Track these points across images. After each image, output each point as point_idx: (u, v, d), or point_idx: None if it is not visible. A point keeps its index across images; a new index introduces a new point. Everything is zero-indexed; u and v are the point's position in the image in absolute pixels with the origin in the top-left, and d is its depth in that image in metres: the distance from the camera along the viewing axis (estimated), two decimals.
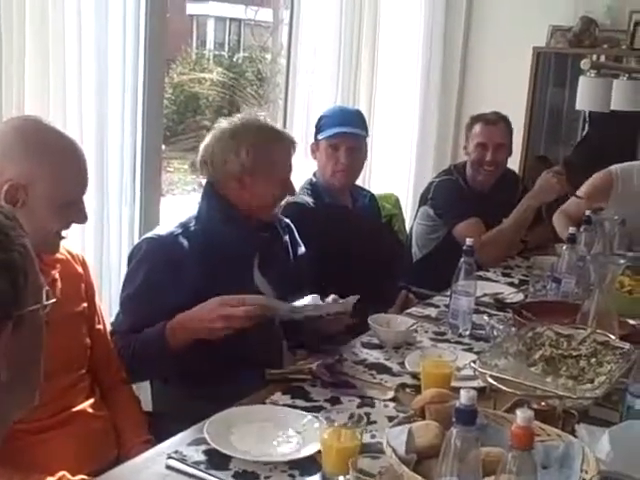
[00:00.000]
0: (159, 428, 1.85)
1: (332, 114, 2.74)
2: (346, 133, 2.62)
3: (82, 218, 1.68)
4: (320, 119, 2.72)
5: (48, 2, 2.28)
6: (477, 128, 3.15)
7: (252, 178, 2.05)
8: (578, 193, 3.22)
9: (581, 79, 3.57)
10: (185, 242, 1.97)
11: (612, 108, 3.56)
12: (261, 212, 2.09)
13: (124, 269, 2.63)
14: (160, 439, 1.74)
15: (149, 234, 2.04)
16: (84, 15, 2.41)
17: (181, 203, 6.47)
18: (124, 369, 1.90)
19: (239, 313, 1.80)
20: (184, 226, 2.02)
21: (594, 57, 4.41)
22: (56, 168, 1.57)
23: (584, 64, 3.54)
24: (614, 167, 3.37)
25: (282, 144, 2.08)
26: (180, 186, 8.11)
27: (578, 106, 3.72)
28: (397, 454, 1.35)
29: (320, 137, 2.66)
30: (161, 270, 1.93)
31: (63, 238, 1.67)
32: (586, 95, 3.55)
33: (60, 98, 2.37)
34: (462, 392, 1.16)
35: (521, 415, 1.10)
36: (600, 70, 3.56)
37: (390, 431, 1.43)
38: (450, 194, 3.14)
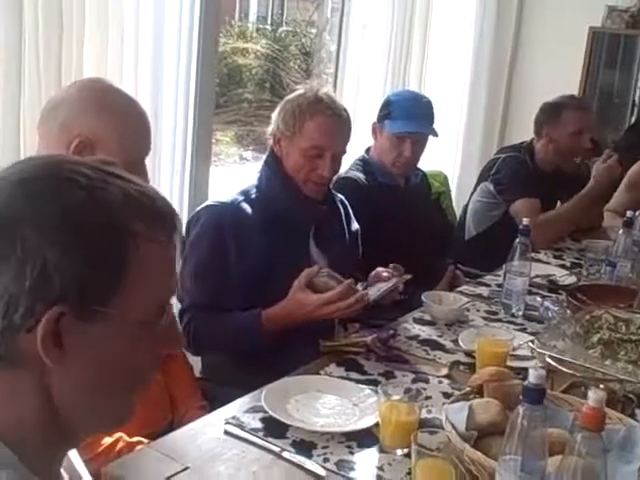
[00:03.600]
0: (209, 394, 1.88)
1: (404, 102, 2.63)
2: (417, 132, 2.57)
3: (144, 180, 1.67)
4: (389, 103, 2.63)
5: None
6: (571, 114, 3.07)
7: (285, 141, 2.05)
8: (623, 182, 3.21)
9: None
10: (249, 208, 1.99)
11: None
12: (303, 185, 2.06)
13: None
14: (211, 405, 1.77)
15: (209, 202, 2.04)
16: None
17: (223, 174, 6.48)
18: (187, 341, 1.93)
19: (343, 307, 1.86)
20: (245, 193, 2.03)
21: None
22: (123, 126, 1.56)
23: None
24: None
25: (317, 116, 2.02)
26: (223, 158, 8.13)
27: None
28: (457, 430, 1.34)
29: (388, 126, 2.58)
30: (227, 237, 1.94)
31: None
32: None
33: (117, 70, 2.37)
34: (531, 371, 1.15)
35: (593, 396, 1.08)
36: None
37: (449, 407, 1.43)
38: (515, 171, 3.08)
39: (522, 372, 1.70)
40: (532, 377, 1.14)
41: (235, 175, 6.47)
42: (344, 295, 1.85)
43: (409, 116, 2.56)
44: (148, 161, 2.48)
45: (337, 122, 2.06)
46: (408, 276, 2.07)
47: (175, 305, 2.24)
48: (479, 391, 1.51)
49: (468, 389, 1.55)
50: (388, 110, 2.61)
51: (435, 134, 2.62)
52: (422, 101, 2.69)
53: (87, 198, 0.75)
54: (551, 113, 3.14)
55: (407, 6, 3.73)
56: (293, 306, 1.88)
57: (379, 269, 2.09)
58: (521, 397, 1.16)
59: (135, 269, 0.77)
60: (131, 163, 1.62)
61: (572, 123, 3.08)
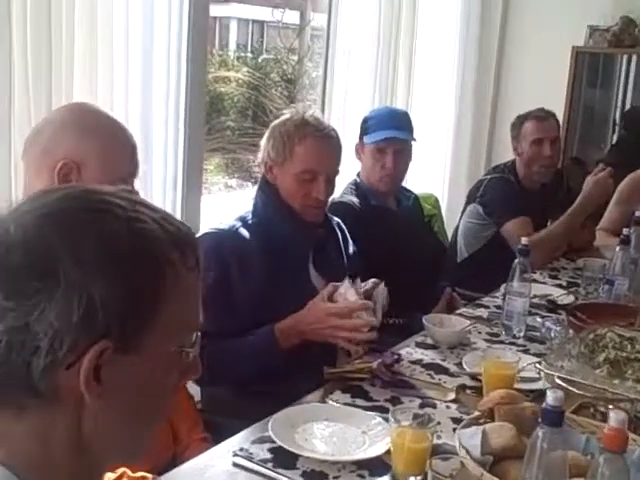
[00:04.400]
0: (210, 426, 1.84)
1: (379, 116, 2.67)
2: (395, 138, 2.57)
3: None
4: (366, 120, 2.66)
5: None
6: (529, 125, 3.10)
7: (276, 168, 2.04)
8: (613, 199, 3.23)
9: None
10: (247, 234, 1.97)
11: None
12: (301, 210, 2.05)
13: None
14: (212, 437, 1.73)
15: (207, 230, 2.02)
16: (131, 12, 2.40)
17: (210, 203, 6.46)
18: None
19: (348, 326, 1.83)
20: (242, 220, 2.01)
21: (634, 57, 4.38)
22: (107, 147, 1.54)
23: None
24: None
25: (306, 139, 2.01)
26: (208, 186, 8.11)
27: None
28: (472, 456, 1.32)
29: (367, 141, 2.60)
30: (229, 263, 1.92)
31: None
32: None
33: (108, 99, 2.36)
34: (549, 393, 1.13)
35: (615, 417, 1.07)
36: None
37: (462, 432, 1.40)
38: (501, 192, 3.09)
39: (530, 394, 1.69)
40: (550, 399, 1.12)
41: (222, 203, 6.45)
42: (354, 310, 1.83)
43: (386, 126, 2.58)
44: (139, 189, 2.49)
45: (327, 143, 2.05)
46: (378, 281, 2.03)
47: None
48: (490, 415, 1.49)
49: (478, 413, 1.53)
50: (366, 126, 2.64)
51: (413, 139, 2.63)
52: (398, 112, 2.76)
53: (125, 229, 0.75)
54: (515, 128, 3.19)
55: (392, 29, 3.75)
56: (305, 312, 1.87)
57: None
58: (539, 420, 1.14)
59: (171, 299, 0.77)
60: (118, 181, 1.58)
61: (531, 133, 3.11)
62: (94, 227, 0.74)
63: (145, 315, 0.75)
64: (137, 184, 2.21)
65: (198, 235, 2.04)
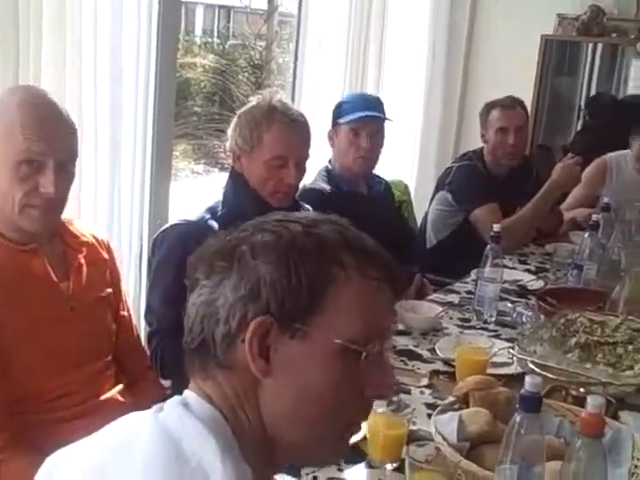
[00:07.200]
0: None
1: (353, 99, 2.70)
2: (369, 117, 2.58)
3: (46, 184, 1.51)
4: (340, 105, 2.67)
5: None
6: (495, 113, 3.11)
7: (245, 156, 2.02)
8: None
9: (634, 63, 3.67)
10: (216, 226, 1.93)
11: None
12: (270, 197, 2.03)
13: (134, 253, 2.61)
14: None
15: (175, 221, 1.99)
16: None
17: (177, 189, 6.39)
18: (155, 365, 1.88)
19: None
20: (211, 211, 1.98)
21: (599, 46, 4.43)
22: (8, 122, 1.49)
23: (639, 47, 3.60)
24: (608, 155, 3.55)
25: (273, 125, 1.99)
26: (174, 172, 8.03)
27: (630, 90, 3.82)
28: (449, 442, 1.32)
29: (342, 121, 2.61)
30: None
31: (33, 207, 1.54)
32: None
33: (76, 86, 2.31)
34: (527, 378, 1.13)
35: (592, 402, 1.07)
36: None
37: (438, 418, 1.41)
38: (470, 179, 3.11)
39: (502, 379, 1.70)
40: (528, 385, 1.12)
41: (189, 189, 6.39)
42: None
43: (361, 108, 2.59)
44: (108, 176, 2.45)
45: (295, 128, 2.03)
46: None
47: (143, 328, 2.18)
48: (464, 400, 1.50)
49: (452, 399, 1.53)
50: (340, 110, 2.65)
51: (388, 119, 2.65)
52: (371, 96, 2.81)
53: (303, 231, 0.86)
54: (483, 115, 3.20)
55: (363, 16, 3.74)
56: None
57: None
58: (517, 405, 1.14)
59: (338, 294, 0.84)
60: (24, 160, 1.49)
61: (496, 121, 3.12)
62: (279, 227, 0.87)
63: (308, 303, 0.82)
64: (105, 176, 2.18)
65: (165, 227, 2.01)
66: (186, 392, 0.89)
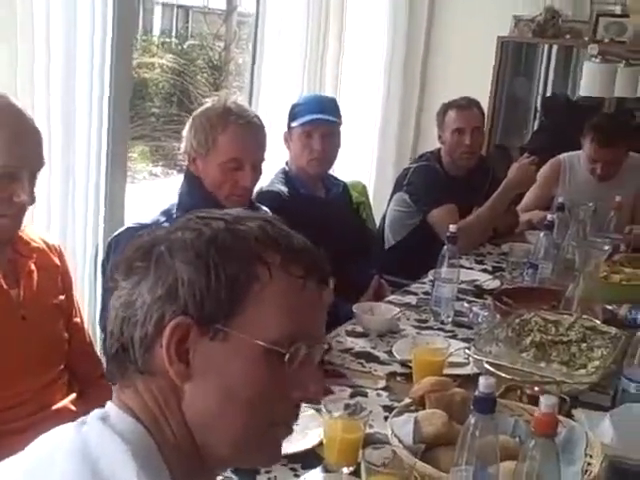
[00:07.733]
0: None
1: (306, 102, 2.69)
2: (320, 119, 2.57)
3: (21, 194, 1.51)
4: (294, 107, 2.66)
5: None
6: (451, 114, 3.13)
7: (200, 158, 2.00)
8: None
9: (586, 64, 3.70)
10: None
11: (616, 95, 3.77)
12: (226, 200, 2.01)
13: (89, 257, 2.57)
14: None
15: (129, 224, 1.96)
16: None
17: (134, 191, 6.32)
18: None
19: None
20: (167, 213, 1.96)
21: (554, 47, 4.50)
22: None
23: (592, 49, 3.65)
24: (562, 156, 3.60)
25: (228, 127, 1.98)
26: (131, 174, 7.94)
27: (582, 92, 3.85)
28: (404, 444, 1.32)
29: (294, 124, 2.60)
30: None
31: (4, 216, 1.54)
32: (591, 81, 3.67)
33: (28, 85, 2.26)
34: (480, 379, 1.13)
35: (545, 402, 1.07)
36: (604, 56, 3.63)
37: (394, 421, 1.40)
38: (427, 180, 3.13)
39: (458, 379, 1.71)
40: (482, 386, 1.12)
41: (147, 192, 6.32)
42: None
43: (313, 110, 2.59)
44: (61, 179, 2.41)
45: (251, 130, 2.02)
46: None
47: (99, 333, 2.14)
48: (421, 402, 1.50)
49: (409, 400, 1.53)
50: (294, 112, 2.64)
51: (339, 122, 2.65)
52: (325, 97, 2.82)
53: (225, 228, 0.82)
54: (439, 116, 3.22)
55: (321, 15, 3.73)
56: None
57: None
58: (471, 407, 1.14)
59: (260, 294, 0.81)
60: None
61: (453, 122, 3.14)
62: (199, 226, 0.83)
63: (229, 304, 0.79)
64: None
65: (119, 231, 1.98)
66: (108, 404, 0.85)
